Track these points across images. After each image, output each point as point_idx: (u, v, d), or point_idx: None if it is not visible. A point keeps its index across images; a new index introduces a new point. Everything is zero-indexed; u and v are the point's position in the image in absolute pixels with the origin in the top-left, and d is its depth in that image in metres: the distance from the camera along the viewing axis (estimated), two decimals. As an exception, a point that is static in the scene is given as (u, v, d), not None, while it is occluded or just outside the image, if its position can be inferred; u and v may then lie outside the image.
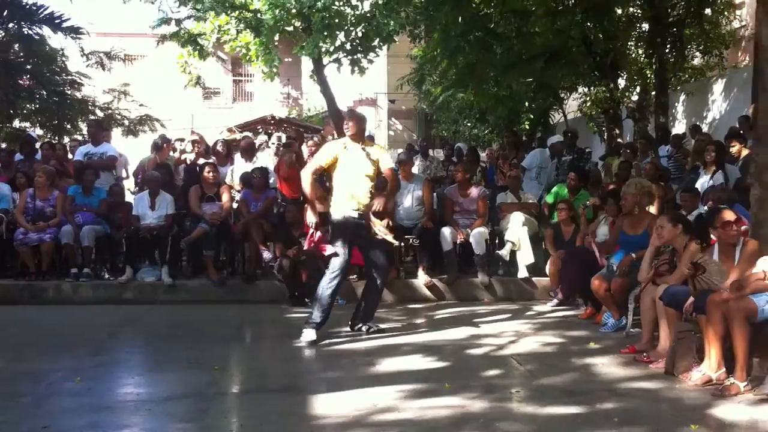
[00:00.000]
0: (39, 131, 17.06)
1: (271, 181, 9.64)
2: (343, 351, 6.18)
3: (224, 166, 10.21)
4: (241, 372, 5.84)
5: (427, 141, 14.74)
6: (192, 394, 4.91)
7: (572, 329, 7.09)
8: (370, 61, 18.53)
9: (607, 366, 5.62)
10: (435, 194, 9.80)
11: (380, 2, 16.91)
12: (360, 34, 17.65)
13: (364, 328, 6.79)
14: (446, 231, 8.91)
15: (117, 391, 5.11)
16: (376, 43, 17.65)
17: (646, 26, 14.37)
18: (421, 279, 8.92)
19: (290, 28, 17.60)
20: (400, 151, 14.93)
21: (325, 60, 18.26)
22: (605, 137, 15.00)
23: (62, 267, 9.19)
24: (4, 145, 13.05)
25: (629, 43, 15.01)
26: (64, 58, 18.12)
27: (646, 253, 6.09)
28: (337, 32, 17.46)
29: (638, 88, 14.95)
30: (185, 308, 8.27)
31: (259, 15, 16.64)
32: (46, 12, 15.61)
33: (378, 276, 6.76)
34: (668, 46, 13.82)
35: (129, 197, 10.57)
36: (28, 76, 16.69)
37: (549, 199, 9.73)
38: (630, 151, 10.90)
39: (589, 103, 15.37)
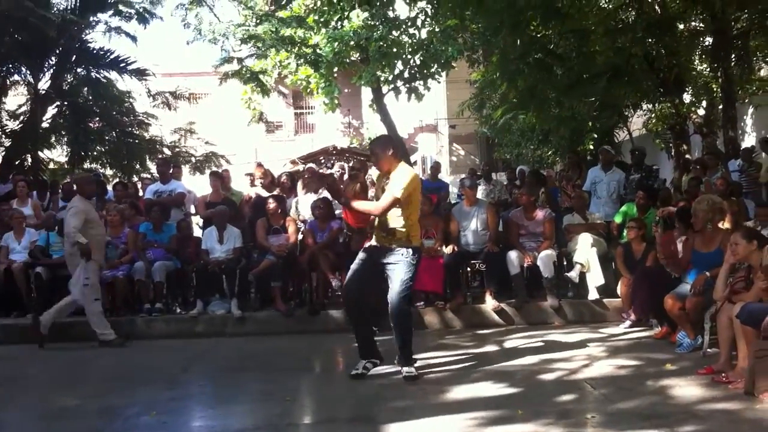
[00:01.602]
0: (109, 171, 17.59)
1: (337, 211, 9.70)
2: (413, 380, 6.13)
3: (289, 198, 10.34)
4: (312, 402, 5.86)
5: (489, 165, 14.67)
6: (264, 426, 4.95)
7: (647, 351, 6.90)
8: (428, 88, 18.56)
9: (684, 388, 5.46)
10: (500, 218, 9.74)
11: (437, 29, 16.99)
12: (418, 62, 17.72)
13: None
14: (513, 255, 8.82)
15: (191, 425, 5.19)
16: (434, 69, 17.68)
17: (709, 40, 14.10)
18: (489, 304, 8.83)
19: (348, 60, 17.79)
20: (463, 176, 14.87)
21: (384, 88, 18.38)
22: (673, 153, 14.71)
23: (135, 303, 9.39)
24: (75, 187, 13.43)
25: (693, 58, 14.73)
26: (131, 100, 18.70)
27: (721, 271, 5.93)
28: (395, 61, 17.57)
29: (704, 103, 14.65)
30: (255, 340, 8.34)
31: (318, 49, 16.87)
32: (112, 56, 16.22)
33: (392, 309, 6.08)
34: (733, 58, 13.52)
35: (197, 232, 10.78)
36: (98, 118, 17.27)
37: (617, 218, 9.58)
38: (699, 167, 10.65)
39: (654, 120, 15.11)
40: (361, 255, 6.24)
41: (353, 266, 6.20)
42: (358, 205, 6.23)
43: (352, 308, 6.31)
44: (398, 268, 5.95)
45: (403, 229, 5.98)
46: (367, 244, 6.36)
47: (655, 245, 8.24)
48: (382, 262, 6.04)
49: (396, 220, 5.99)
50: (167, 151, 18.90)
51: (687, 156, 13.68)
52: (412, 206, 6.05)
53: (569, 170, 12.27)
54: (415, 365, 6.12)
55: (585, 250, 8.84)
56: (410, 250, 5.98)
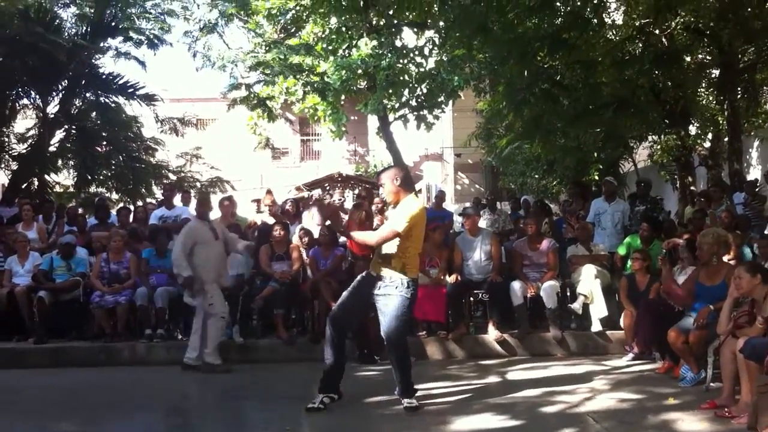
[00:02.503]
0: (115, 195, 17.65)
1: (341, 239, 9.71)
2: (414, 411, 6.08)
3: (293, 225, 10.34)
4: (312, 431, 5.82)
5: (494, 194, 14.66)
6: (263, 455, 4.91)
7: (650, 384, 6.85)
8: (436, 117, 18.65)
9: (687, 422, 5.41)
10: (503, 248, 9.72)
11: (444, 59, 17.09)
12: (425, 91, 17.82)
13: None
14: (516, 285, 8.79)
15: (189, 453, 5.14)
16: (441, 98, 17.77)
17: (716, 72, 14.14)
18: (492, 334, 8.78)
19: (355, 88, 17.91)
20: (467, 204, 14.89)
21: (391, 117, 18.46)
22: (678, 185, 14.70)
23: (136, 329, 9.36)
24: (80, 210, 13.49)
25: (699, 90, 14.76)
26: (138, 125, 18.79)
27: (725, 305, 5.90)
28: (402, 89, 17.67)
29: (710, 135, 14.65)
30: (256, 368, 8.29)
31: (325, 77, 16.98)
32: (121, 81, 16.33)
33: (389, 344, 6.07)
34: (740, 91, 13.54)
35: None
36: (105, 142, 17.36)
37: (621, 250, 9.54)
38: (704, 200, 10.63)
39: (659, 152, 15.12)
40: (355, 283, 6.16)
41: (345, 294, 6.12)
42: (357, 235, 6.19)
43: (334, 336, 6.05)
44: (391, 302, 5.82)
45: (400, 259, 5.87)
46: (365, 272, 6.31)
47: (659, 277, 8.21)
48: (375, 293, 5.93)
49: (393, 248, 5.89)
50: (173, 176, 18.96)
51: (692, 188, 13.67)
52: (413, 239, 5.92)
53: (572, 202, 12.26)
54: (416, 395, 6.05)
55: (588, 281, 8.80)
56: (405, 283, 5.84)
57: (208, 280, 8.18)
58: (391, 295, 5.83)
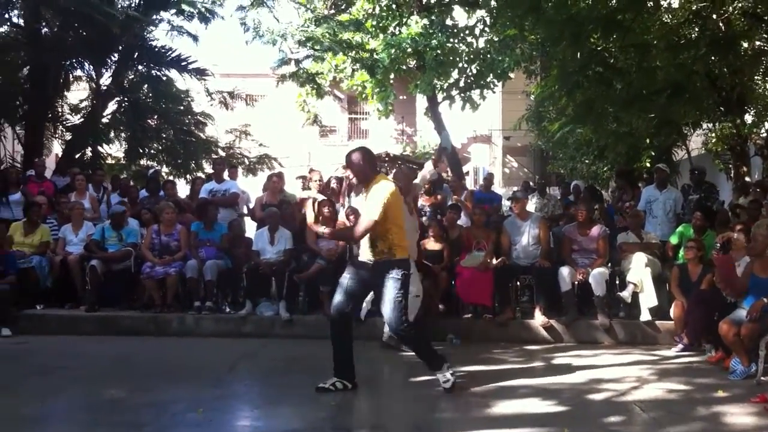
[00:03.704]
0: (165, 169, 17.83)
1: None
2: (458, 392, 6.08)
3: (338, 203, 10.37)
4: (357, 409, 5.85)
5: (543, 179, 14.51)
6: (309, 429, 4.98)
7: (698, 376, 6.76)
8: (483, 97, 18.49)
9: (736, 416, 5.34)
10: (552, 233, 9.63)
11: (495, 39, 16.91)
12: (474, 71, 17.67)
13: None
14: (564, 271, 8.71)
15: (236, 424, 5.24)
16: (490, 79, 17.61)
17: (774, 60, 13.77)
18: (538, 320, 8.73)
19: (405, 67, 17.82)
20: (515, 188, 14.77)
21: (439, 97, 18.36)
22: (732, 175, 14.39)
23: (185, 300, 9.50)
24: (132, 183, 13.69)
25: (756, 78, 14.38)
26: (189, 99, 18.92)
27: (781, 298, 5.77)
28: (451, 69, 17.55)
29: (767, 124, 14.29)
30: (301, 343, 8.36)
31: (375, 55, 16.92)
32: (173, 54, 16.40)
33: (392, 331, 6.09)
34: (799, 79, 13.20)
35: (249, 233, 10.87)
36: (156, 115, 17.52)
37: (673, 239, 9.39)
38: (760, 190, 10.39)
39: (714, 140, 14.80)
40: (349, 269, 6.09)
41: (341, 280, 6.03)
42: (338, 235, 6.20)
43: (337, 322, 6.04)
44: (387, 287, 5.74)
45: (385, 242, 5.77)
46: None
47: (712, 268, 8.06)
48: (368, 279, 5.89)
49: (375, 234, 5.79)
50: (222, 152, 19.08)
51: (746, 178, 13.36)
52: (392, 220, 5.80)
53: (623, 193, 12.09)
54: (449, 372, 5.91)
55: (639, 269, 8.68)
56: (395, 264, 5.75)
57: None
58: (386, 281, 5.74)
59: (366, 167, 5.96)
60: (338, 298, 6.01)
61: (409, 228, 7.75)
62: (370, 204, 5.79)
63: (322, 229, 6.48)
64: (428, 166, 8.31)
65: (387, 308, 5.78)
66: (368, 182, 5.94)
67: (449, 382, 5.88)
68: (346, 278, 6.01)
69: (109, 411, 5.43)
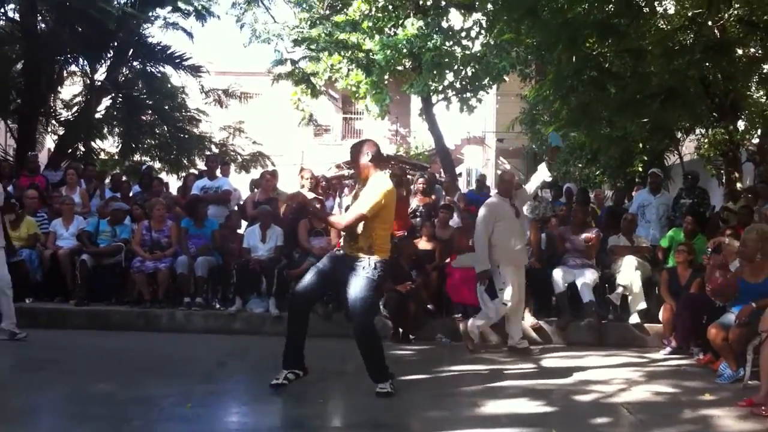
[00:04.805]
0: (157, 165, 17.82)
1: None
2: (447, 391, 6.10)
3: (329, 201, 10.38)
4: (345, 406, 5.87)
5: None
6: (296, 426, 5.00)
7: (686, 379, 6.79)
8: (479, 100, 18.51)
9: (723, 419, 5.37)
10: (543, 235, 9.65)
11: (491, 42, 16.94)
12: (470, 73, 17.70)
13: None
14: (558, 273, 8.74)
15: (225, 419, 5.22)
16: (485, 82, 17.63)
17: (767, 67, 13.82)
18: (528, 321, 8.73)
19: (400, 68, 17.84)
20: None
21: (434, 98, 18.38)
22: (724, 180, 14.45)
23: (175, 296, 9.49)
24: (124, 178, 13.68)
25: (750, 84, 14.45)
26: (184, 95, 18.91)
27: (770, 303, 5.80)
28: (447, 71, 17.57)
29: (759, 131, 14.35)
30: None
31: (371, 55, 16.93)
32: (168, 51, 16.42)
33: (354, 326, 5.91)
34: (792, 87, 13.26)
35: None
36: (150, 111, 17.52)
37: (664, 243, 9.45)
38: (751, 196, 10.44)
39: (707, 145, 14.86)
40: (323, 261, 6.06)
41: (310, 272, 6.00)
42: (325, 219, 6.37)
43: (295, 314, 5.99)
44: (356, 282, 5.68)
45: (367, 240, 5.71)
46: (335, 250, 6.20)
47: (701, 272, 8.10)
48: (342, 272, 5.79)
49: (360, 228, 5.74)
50: (215, 149, 19.08)
51: (738, 184, 13.43)
52: (381, 219, 5.76)
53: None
54: (391, 381, 5.80)
55: (629, 272, 8.72)
56: (372, 264, 5.68)
57: (505, 261, 7.83)
58: (357, 275, 5.68)
59: (369, 161, 5.88)
60: (300, 292, 5.96)
61: (516, 232, 7.81)
62: (364, 198, 5.75)
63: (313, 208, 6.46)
64: (542, 169, 8.09)
65: (353, 302, 5.72)
66: (368, 176, 5.87)
67: (386, 389, 5.74)
68: (313, 273, 5.94)
69: (98, 405, 5.41)
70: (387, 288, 8.57)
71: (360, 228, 5.74)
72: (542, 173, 8.06)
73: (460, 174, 26.95)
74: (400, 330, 8.51)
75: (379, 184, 5.78)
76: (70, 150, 15.88)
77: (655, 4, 12.31)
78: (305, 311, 6.02)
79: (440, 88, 18.01)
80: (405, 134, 30.89)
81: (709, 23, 12.24)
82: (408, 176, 13.78)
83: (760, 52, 13.75)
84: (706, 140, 14.89)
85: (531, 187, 8.26)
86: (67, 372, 6.57)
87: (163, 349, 7.89)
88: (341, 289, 6.05)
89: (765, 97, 14.36)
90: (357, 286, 5.69)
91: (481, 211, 8.03)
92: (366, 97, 18.30)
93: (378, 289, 5.83)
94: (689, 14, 12.63)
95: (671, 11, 14.09)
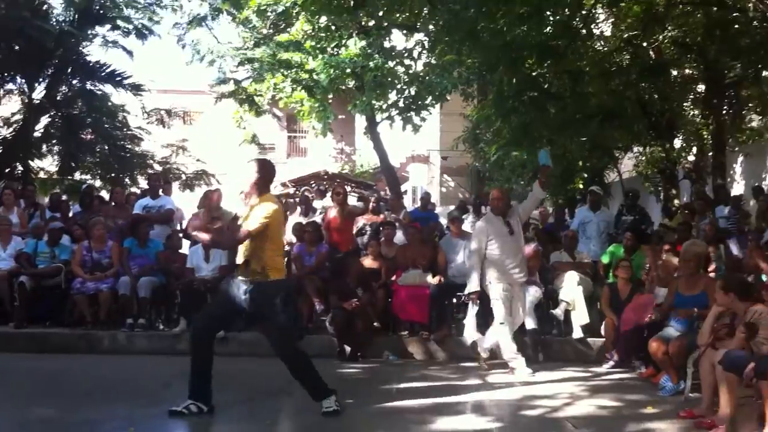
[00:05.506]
0: (98, 183, 17.55)
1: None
2: (394, 408, 6.11)
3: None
4: (293, 427, 5.85)
5: (480, 198, 14.70)
6: (244, 448, 4.91)
7: (629, 392, 6.91)
8: (423, 119, 18.66)
9: (666, 431, 5.48)
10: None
11: (433, 62, 17.12)
12: (413, 93, 17.84)
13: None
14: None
15: (170, 443, 5.14)
16: (428, 101, 17.79)
17: (702, 87, 14.27)
18: (473, 336, 8.78)
19: (344, 87, 17.89)
20: (452, 207, 14.92)
21: (378, 117, 18.48)
22: (661, 197, 14.83)
23: (118, 317, 9.32)
24: (64, 197, 13.41)
25: (685, 104, 14.89)
26: (125, 114, 18.69)
27: (708, 317, 5.97)
28: (390, 90, 17.68)
29: (695, 149, 14.79)
30: (237, 361, 8.24)
31: (314, 75, 16.94)
32: (108, 69, 16.26)
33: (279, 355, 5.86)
34: (725, 107, 13.68)
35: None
36: (90, 130, 17.27)
37: (604, 259, 9.65)
38: (688, 212, 10.74)
39: (644, 163, 15.24)
40: (222, 291, 5.99)
41: (212, 300, 5.96)
42: (213, 242, 6.23)
43: (198, 347, 5.86)
44: (269, 316, 5.68)
45: (259, 261, 5.61)
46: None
47: (641, 287, 8.31)
48: (243, 300, 5.66)
49: (249, 250, 5.65)
50: (158, 167, 18.87)
51: (675, 201, 13.80)
52: (269, 239, 5.64)
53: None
54: (335, 398, 5.76)
55: (571, 288, 8.87)
56: (273, 289, 5.65)
57: (496, 280, 7.76)
58: (256, 301, 5.62)
59: (261, 181, 5.80)
60: (201, 324, 5.94)
61: (509, 250, 7.74)
62: (251, 217, 5.66)
63: (202, 236, 6.37)
64: (536, 188, 8.06)
65: (273, 337, 5.75)
66: (259, 196, 5.77)
67: (331, 407, 5.70)
68: (216, 300, 5.87)
69: (39, 430, 5.30)
70: (333, 305, 8.59)
71: (249, 250, 5.65)
72: (537, 192, 8.12)
73: (405, 192, 27.07)
74: (347, 348, 8.49)
75: (266, 205, 5.66)
76: (8, 169, 15.53)
77: (592, 26, 12.62)
78: (208, 343, 5.88)
79: (384, 106, 18.11)
80: (350, 152, 30.94)
81: (645, 45, 12.62)
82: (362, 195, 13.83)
83: (694, 72, 14.21)
84: (644, 158, 15.31)
85: (529, 207, 8.29)
86: (7, 396, 6.39)
87: (106, 372, 7.74)
88: (245, 315, 5.98)
89: (700, 116, 14.80)
90: (267, 319, 5.72)
91: (474, 231, 8.08)
92: (310, 115, 18.29)
93: (287, 311, 5.75)
94: (625, 36, 12.98)
95: (608, 33, 14.46)
